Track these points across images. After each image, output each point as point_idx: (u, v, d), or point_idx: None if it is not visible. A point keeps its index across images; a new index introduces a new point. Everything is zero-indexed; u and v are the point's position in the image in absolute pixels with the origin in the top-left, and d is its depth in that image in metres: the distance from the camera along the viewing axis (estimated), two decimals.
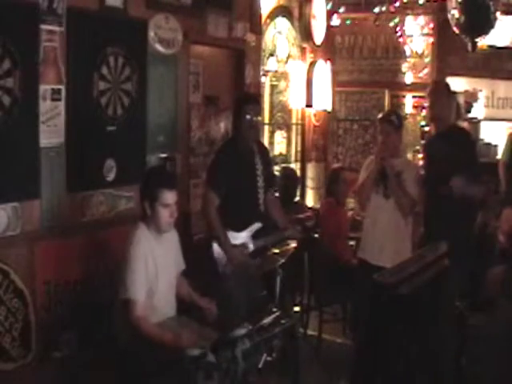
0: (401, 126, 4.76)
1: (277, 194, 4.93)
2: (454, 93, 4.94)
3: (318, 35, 7.19)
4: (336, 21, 7.50)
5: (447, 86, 4.84)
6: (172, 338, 3.33)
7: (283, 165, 6.81)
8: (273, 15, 6.48)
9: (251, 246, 4.34)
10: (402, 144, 5.07)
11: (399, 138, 4.76)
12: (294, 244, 4.11)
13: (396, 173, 4.60)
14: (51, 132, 3.84)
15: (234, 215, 4.24)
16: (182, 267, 3.84)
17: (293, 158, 7.34)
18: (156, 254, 3.54)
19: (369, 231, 4.80)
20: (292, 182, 6.02)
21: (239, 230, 4.30)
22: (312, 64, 7.16)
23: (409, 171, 4.66)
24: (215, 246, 4.27)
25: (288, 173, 6.14)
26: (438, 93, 4.66)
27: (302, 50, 7.16)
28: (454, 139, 4.51)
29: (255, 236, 4.36)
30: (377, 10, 7.12)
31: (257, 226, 4.35)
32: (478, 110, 7.48)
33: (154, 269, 3.51)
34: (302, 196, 7.29)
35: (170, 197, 3.52)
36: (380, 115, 4.90)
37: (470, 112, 7.51)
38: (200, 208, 4.61)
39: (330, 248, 5.53)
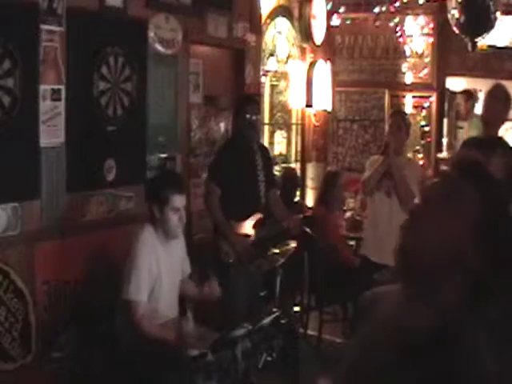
0: (409, 125, 4.87)
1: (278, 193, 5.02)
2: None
3: (318, 35, 7.19)
4: (336, 21, 7.49)
5: (506, 91, 4.42)
6: (174, 338, 3.34)
7: (283, 165, 6.82)
8: (273, 15, 6.48)
9: (252, 236, 4.44)
10: (405, 144, 5.07)
11: (406, 136, 4.83)
12: (293, 244, 4.12)
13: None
14: (51, 132, 3.84)
15: (235, 207, 4.37)
16: (187, 272, 3.84)
17: (293, 158, 7.34)
18: (160, 257, 3.54)
19: (370, 229, 4.82)
20: (292, 182, 6.02)
21: (240, 220, 4.37)
22: (312, 64, 7.16)
23: (410, 169, 4.70)
24: (224, 246, 4.36)
25: (288, 173, 6.15)
26: (497, 96, 4.31)
27: (302, 50, 7.16)
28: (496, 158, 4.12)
29: (256, 227, 4.44)
30: (377, 10, 7.11)
31: (257, 216, 4.43)
32: (478, 110, 7.48)
33: (157, 272, 3.52)
34: (302, 196, 7.29)
35: (180, 201, 3.52)
36: (393, 110, 4.98)
37: None
38: (203, 201, 4.71)
39: (334, 254, 5.53)
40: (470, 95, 7.35)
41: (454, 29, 5.88)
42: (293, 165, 7.12)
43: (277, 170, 6.29)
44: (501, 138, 4.37)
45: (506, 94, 4.47)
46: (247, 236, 4.44)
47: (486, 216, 1.17)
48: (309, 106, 7.13)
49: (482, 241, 1.17)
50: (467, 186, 1.20)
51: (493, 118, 4.38)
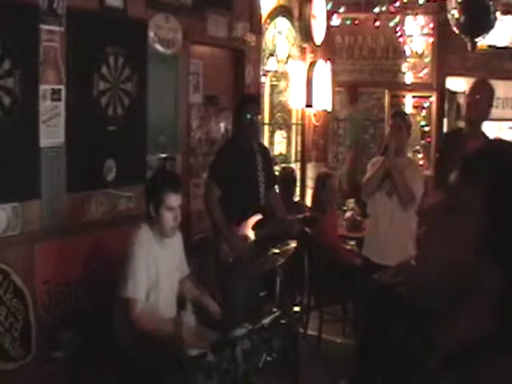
0: (410, 125, 4.86)
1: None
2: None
3: (318, 35, 7.19)
4: (336, 21, 7.50)
5: (492, 89, 4.55)
6: (172, 336, 3.34)
7: (283, 165, 6.82)
8: (273, 15, 6.48)
9: (252, 237, 4.42)
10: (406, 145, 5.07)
11: (407, 137, 4.82)
12: (294, 244, 4.12)
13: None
14: (51, 132, 3.84)
15: (235, 207, 4.36)
16: (186, 272, 3.84)
17: (293, 158, 7.34)
18: (158, 256, 3.55)
19: (372, 229, 4.81)
20: (290, 181, 6.01)
21: (240, 221, 4.36)
22: (312, 64, 7.16)
23: (411, 169, 4.69)
24: (224, 246, 4.36)
25: (286, 172, 6.15)
26: (482, 95, 4.41)
27: (302, 50, 7.16)
28: None
29: (255, 227, 4.44)
30: (377, 10, 7.11)
31: (257, 217, 4.44)
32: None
33: (155, 270, 3.52)
34: (302, 196, 7.30)
35: (174, 200, 3.53)
36: (393, 111, 4.97)
37: None
38: (202, 200, 4.70)
39: (336, 255, 5.54)
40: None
41: (454, 29, 5.89)
42: (293, 165, 7.12)
43: (276, 169, 6.30)
44: (484, 134, 4.41)
45: (489, 92, 4.50)
46: (246, 236, 4.44)
47: (494, 226, 1.00)
48: (309, 106, 7.13)
49: (493, 256, 0.99)
50: (471, 192, 1.03)
51: (476, 117, 4.42)
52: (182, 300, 3.70)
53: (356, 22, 7.45)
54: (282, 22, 6.76)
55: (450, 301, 1.03)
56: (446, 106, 7.46)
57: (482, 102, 4.41)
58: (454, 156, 4.43)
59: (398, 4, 7.03)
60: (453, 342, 1.04)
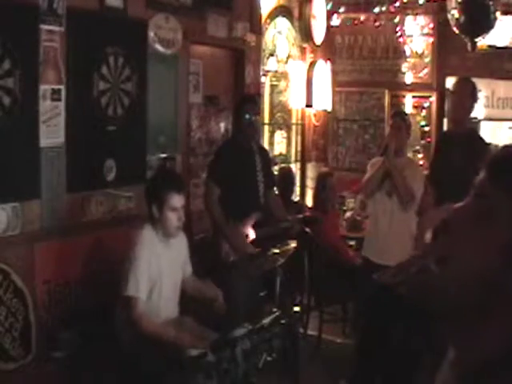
0: (410, 125, 4.87)
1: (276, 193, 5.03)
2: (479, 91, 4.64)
3: (318, 35, 7.19)
4: (336, 21, 7.50)
5: (474, 85, 4.57)
6: (173, 336, 3.34)
7: (282, 165, 6.83)
8: (273, 15, 6.48)
9: (252, 236, 4.45)
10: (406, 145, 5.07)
11: (407, 137, 4.82)
12: (294, 244, 4.12)
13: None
14: (51, 132, 3.84)
15: (235, 206, 4.37)
16: (189, 271, 3.84)
17: (293, 158, 7.34)
18: (161, 257, 3.54)
19: (372, 229, 4.81)
20: (287, 180, 6.02)
21: (240, 220, 4.39)
22: (312, 64, 7.16)
23: (411, 169, 4.69)
24: (224, 246, 4.36)
25: (283, 172, 6.16)
26: (464, 93, 4.46)
27: (302, 50, 7.16)
28: (474, 150, 4.22)
29: (255, 226, 4.45)
30: (377, 10, 7.11)
31: (256, 216, 4.45)
32: (477, 110, 7.47)
33: (158, 271, 3.51)
34: (302, 196, 7.30)
35: (178, 200, 3.53)
36: (393, 111, 4.98)
37: None
38: (202, 200, 4.71)
39: (336, 255, 5.54)
40: None
41: (454, 29, 5.89)
42: (293, 165, 7.13)
43: (276, 170, 6.30)
44: (475, 131, 4.45)
45: (471, 89, 4.52)
46: (246, 236, 4.45)
47: None
48: (309, 106, 7.13)
49: None
50: (500, 197, 0.98)
51: (461, 115, 4.46)
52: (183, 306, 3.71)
53: (356, 22, 7.45)
54: (282, 22, 6.76)
55: (473, 310, 0.98)
56: (446, 106, 7.44)
57: (465, 100, 4.45)
58: (450, 154, 4.46)
59: (397, 4, 7.02)
60: (475, 352, 0.99)
